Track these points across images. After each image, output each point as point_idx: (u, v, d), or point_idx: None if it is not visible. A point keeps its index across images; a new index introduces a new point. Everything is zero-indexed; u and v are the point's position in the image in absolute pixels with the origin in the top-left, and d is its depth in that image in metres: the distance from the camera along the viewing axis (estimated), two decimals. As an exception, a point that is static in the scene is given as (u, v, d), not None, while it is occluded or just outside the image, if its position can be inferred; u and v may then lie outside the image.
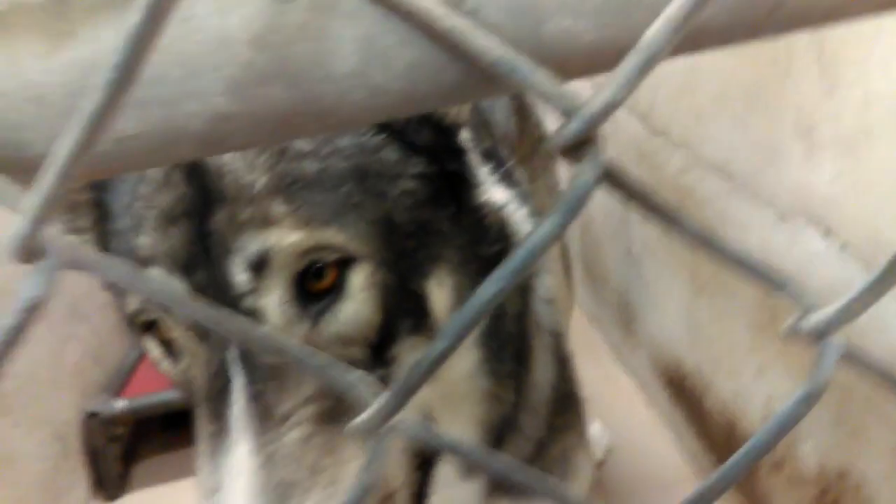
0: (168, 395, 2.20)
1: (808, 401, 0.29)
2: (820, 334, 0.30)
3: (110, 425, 2.28)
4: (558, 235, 0.25)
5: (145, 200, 0.71)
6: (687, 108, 1.72)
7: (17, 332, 0.24)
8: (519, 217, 0.99)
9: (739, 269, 0.30)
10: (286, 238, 0.67)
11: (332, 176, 0.72)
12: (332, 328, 0.71)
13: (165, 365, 0.78)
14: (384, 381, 0.74)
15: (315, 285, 0.70)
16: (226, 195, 0.68)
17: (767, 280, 0.30)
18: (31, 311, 0.24)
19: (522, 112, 1.81)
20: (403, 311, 0.76)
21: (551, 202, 1.85)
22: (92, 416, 2.23)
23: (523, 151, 1.76)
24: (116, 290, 0.77)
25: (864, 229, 1.21)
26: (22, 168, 0.26)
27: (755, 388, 1.56)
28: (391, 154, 0.77)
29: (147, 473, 2.32)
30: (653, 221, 0.29)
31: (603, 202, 2.30)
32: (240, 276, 0.67)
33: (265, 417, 0.66)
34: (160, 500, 2.21)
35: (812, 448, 1.42)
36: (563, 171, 2.03)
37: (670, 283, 1.90)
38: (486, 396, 0.95)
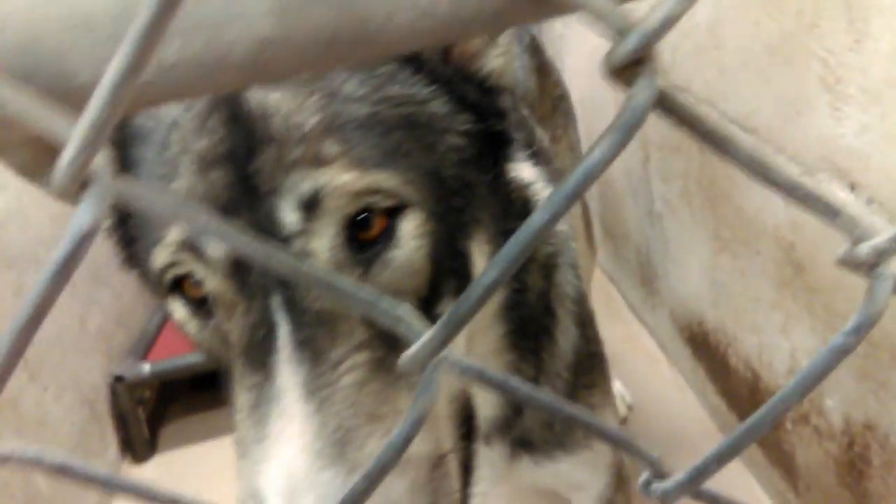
0: (193, 358, 2.22)
1: (861, 331, 0.29)
2: (872, 264, 0.29)
3: (137, 389, 2.32)
4: (611, 160, 0.25)
5: (179, 146, 0.69)
6: (709, 64, 1.69)
7: (70, 261, 0.24)
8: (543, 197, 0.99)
9: (791, 196, 0.29)
10: (339, 178, 0.65)
11: (382, 122, 0.70)
12: (383, 276, 0.69)
13: (191, 326, 0.75)
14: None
15: (364, 234, 0.68)
16: (272, 136, 0.66)
17: (819, 207, 0.30)
18: (83, 240, 0.24)
19: (542, 70, 1.79)
20: (450, 267, 0.74)
21: (573, 162, 1.84)
22: (118, 380, 2.26)
23: (543, 110, 1.75)
24: (142, 250, 0.74)
25: (890, 183, 1.19)
26: (67, 97, 0.26)
27: (779, 342, 1.56)
28: (440, 107, 0.75)
29: (174, 435, 2.36)
30: (706, 146, 0.28)
31: (623, 161, 2.28)
32: (290, 216, 0.65)
33: (316, 363, 0.62)
34: (188, 461, 2.25)
35: (838, 402, 1.42)
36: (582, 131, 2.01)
37: (692, 241, 1.89)
38: (510, 370, 0.95)
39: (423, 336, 0.29)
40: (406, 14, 0.25)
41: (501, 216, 0.83)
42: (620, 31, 0.24)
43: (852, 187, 1.28)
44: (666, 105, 0.26)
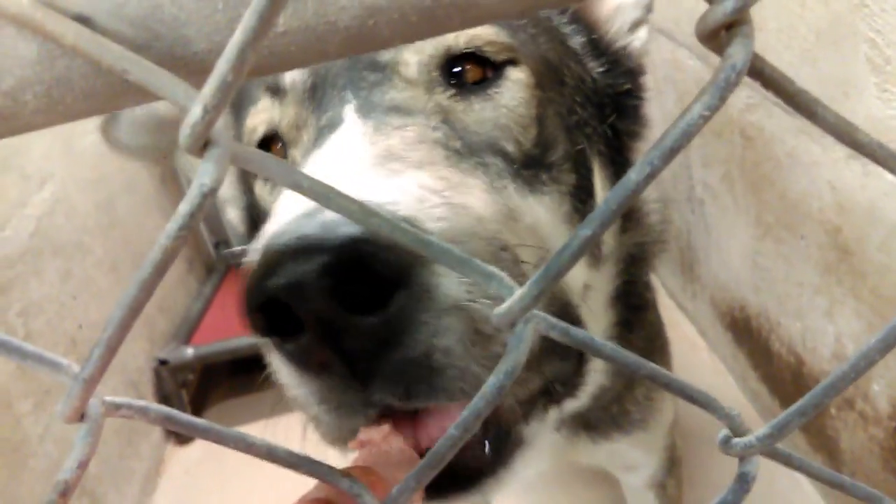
0: (235, 343, 2.26)
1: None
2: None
3: (180, 372, 2.37)
4: (708, 118, 0.26)
5: None
6: (752, 46, 1.68)
7: (192, 217, 0.26)
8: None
9: (877, 160, 0.30)
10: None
11: (524, 29, 0.70)
12: (485, 115, 0.67)
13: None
14: (548, 184, 0.71)
15: (470, 75, 0.67)
16: None
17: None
18: (205, 198, 0.26)
19: None
20: (565, 146, 0.72)
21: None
22: (162, 364, 2.31)
23: None
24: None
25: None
26: (185, 65, 0.27)
27: (824, 327, 1.55)
28: (576, 44, 0.79)
29: (216, 418, 2.40)
30: (796, 111, 0.29)
31: (662, 146, 2.26)
32: None
33: (377, 111, 0.62)
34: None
35: (884, 387, 1.41)
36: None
37: (734, 226, 1.88)
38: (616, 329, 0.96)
39: (515, 293, 0.31)
40: (509, -22, 0.26)
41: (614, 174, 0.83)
42: (718, -7, 0.25)
43: None
44: (755, 68, 0.26)
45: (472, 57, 0.67)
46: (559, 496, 1.83)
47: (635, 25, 0.83)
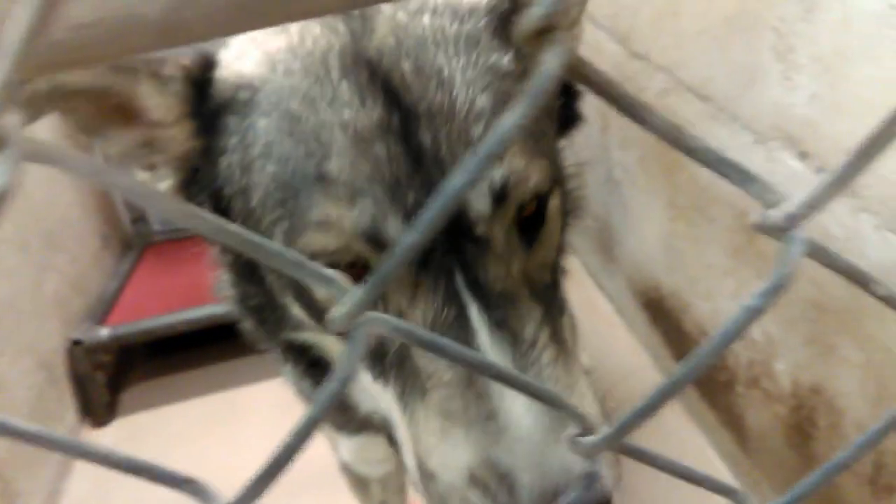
0: (153, 323, 2.21)
1: (773, 293, 0.30)
2: (784, 228, 0.30)
3: (95, 353, 2.30)
4: (522, 126, 0.25)
5: (319, 118, 0.65)
6: (668, 31, 1.70)
7: (-17, 222, 0.24)
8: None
9: (706, 163, 0.30)
10: (520, 166, 0.66)
11: None
12: (539, 254, 0.72)
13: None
14: (562, 299, 0.77)
15: (523, 215, 0.70)
16: (442, 109, 0.65)
17: (733, 174, 0.30)
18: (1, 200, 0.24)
19: None
20: (564, 226, 0.80)
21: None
22: (76, 344, 2.24)
23: None
24: (302, 223, 0.68)
25: (838, 151, 1.22)
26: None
27: (732, 308, 1.59)
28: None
29: (134, 400, 2.35)
30: (621, 114, 0.29)
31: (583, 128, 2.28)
32: (481, 202, 0.65)
33: (515, 344, 0.65)
34: (148, 426, 2.25)
35: (787, 366, 1.46)
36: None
37: (649, 208, 1.91)
38: None
39: (350, 295, 0.30)
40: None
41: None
42: (532, -3, 0.24)
43: (803, 156, 1.30)
44: (579, 73, 0.26)
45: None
46: None
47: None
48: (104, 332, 2.26)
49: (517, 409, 0.61)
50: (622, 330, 2.24)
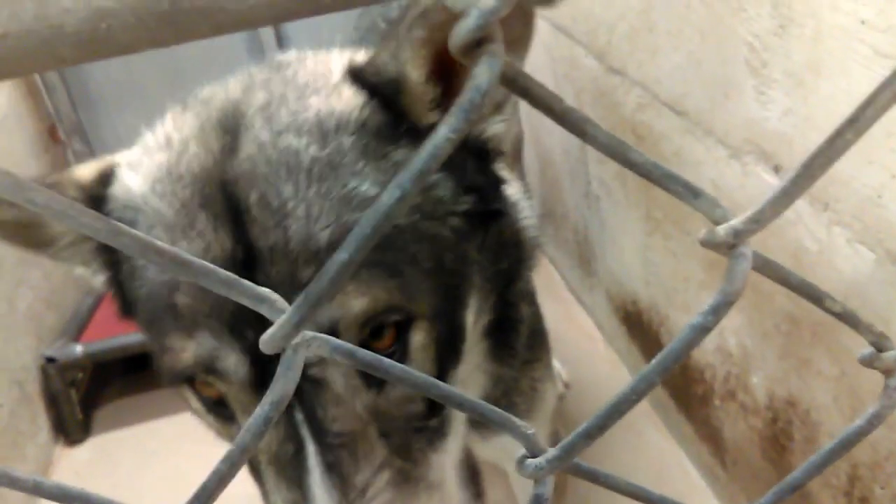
0: (126, 340, 2.18)
1: (719, 310, 0.29)
2: (730, 244, 0.29)
3: (69, 370, 2.26)
4: (456, 139, 0.24)
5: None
6: (643, 46, 1.71)
7: None
8: (526, 214, 0.99)
9: (652, 179, 0.29)
10: (354, 306, 0.65)
11: (393, 231, 0.68)
12: (396, 392, 0.70)
13: (210, 420, 0.77)
14: (442, 429, 0.76)
15: (374, 345, 0.69)
16: (282, 248, 0.64)
17: (680, 189, 0.30)
18: None
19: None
20: (450, 352, 0.76)
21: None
22: (49, 362, 2.21)
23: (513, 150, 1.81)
24: (160, 345, 0.72)
25: (813, 163, 1.22)
26: None
27: (707, 322, 1.59)
28: (444, 191, 0.74)
29: (109, 417, 2.31)
30: (564, 128, 0.28)
31: (561, 141, 2.29)
32: None
33: (345, 488, 0.66)
34: (123, 444, 2.21)
35: (762, 379, 1.46)
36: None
37: (626, 221, 1.91)
38: (490, 375, 0.99)
39: (282, 316, 0.29)
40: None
41: (493, 262, 0.83)
42: (461, 8, 0.24)
43: (776, 169, 1.31)
44: (513, 84, 0.25)
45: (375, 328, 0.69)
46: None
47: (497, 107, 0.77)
48: (78, 349, 2.23)
49: None
50: (601, 344, 2.23)
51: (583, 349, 2.22)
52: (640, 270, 1.89)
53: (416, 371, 0.33)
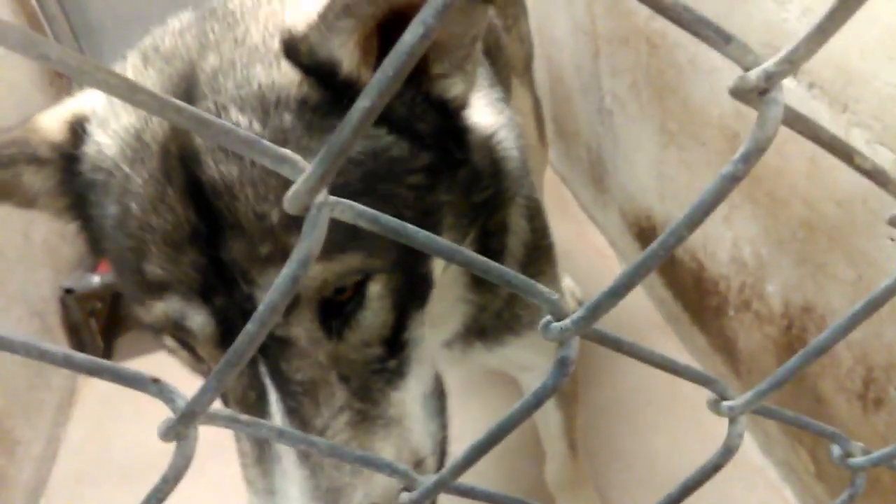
0: (142, 269, 2.20)
1: (750, 158, 0.29)
2: (762, 88, 0.28)
3: (87, 300, 2.30)
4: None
5: (139, 219, 0.69)
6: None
7: None
8: (507, 144, 0.96)
9: (681, 24, 0.28)
10: (312, 271, 0.65)
11: (348, 191, 0.67)
12: (354, 338, 0.73)
13: (183, 358, 0.79)
14: (401, 368, 0.78)
15: (335, 299, 0.71)
16: (239, 224, 0.66)
17: (711, 35, 0.29)
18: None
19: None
20: (411, 298, 0.78)
21: (523, 53, 1.83)
22: (68, 293, 2.24)
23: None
24: (131, 295, 0.75)
25: (831, 66, 1.19)
26: None
27: (723, 232, 1.58)
28: (399, 151, 0.74)
29: (130, 345, 2.35)
30: None
31: (573, 56, 2.24)
32: None
33: (305, 430, 0.69)
34: (145, 370, 2.25)
35: (777, 287, 1.46)
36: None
37: (640, 135, 1.89)
38: (473, 304, 1.00)
39: (304, 173, 0.28)
40: None
41: (465, 196, 0.83)
42: None
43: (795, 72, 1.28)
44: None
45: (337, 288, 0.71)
46: (465, 401, 1.86)
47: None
48: (95, 280, 2.25)
49: (288, 495, 0.70)
50: (614, 261, 2.24)
51: (595, 267, 2.23)
52: (655, 185, 1.87)
53: (439, 238, 0.32)
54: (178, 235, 0.68)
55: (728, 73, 1.25)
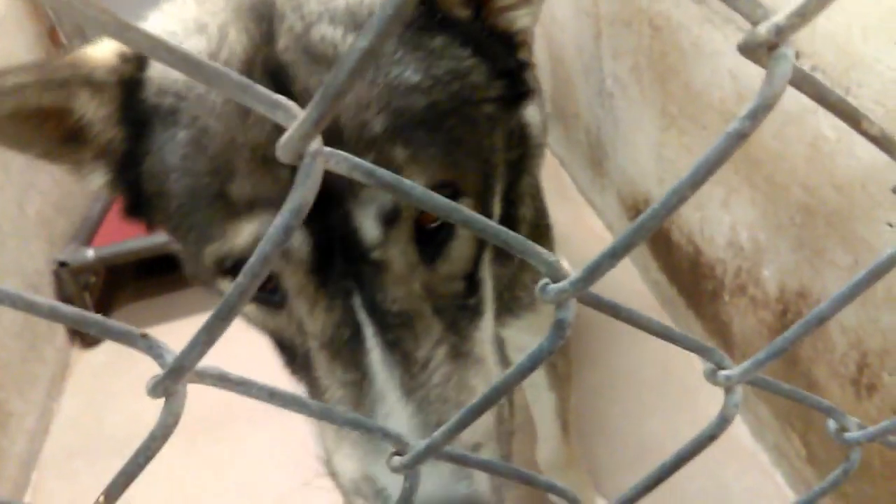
0: (137, 243, 2.19)
1: (757, 115, 0.28)
2: (772, 44, 0.28)
3: (81, 274, 2.29)
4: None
5: (225, 137, 0.66)
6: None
7: None
8: (531, 111, 0.98)
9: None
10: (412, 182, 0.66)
11: (438, 110, 0.70)
12: (445, 268, 0.73)
13: (253, 311, 0.76)
14: (479, 307, 0.77)
15: (427, 227, 0.70)
16: (339, 134, 0.64)
17: (718, -13, 0.28)
18: None
19: None
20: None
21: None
22: (62, 266, 2.23)
23: None
24: (202, 235, 0.71)
25: (833, 48, 1.18)
26: None
27: (721, 216, 1.58)
28: (478, 77, 0.74)
29: (123, 320, 2.26)
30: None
31: (574, 37, 2.23)
32: (371, 229, 0.66)
33: (407, 364, 0.67)
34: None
35: (773, 272, 1.46)
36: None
37: (641, 118, 1.88)
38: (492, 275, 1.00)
39: (296, 120, 0.28)
40: None
41: (505, 152, 0.84)
42: None
43: (797, 55, 1.27)
44: None
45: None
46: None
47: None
48: (90, 254, 2.24)
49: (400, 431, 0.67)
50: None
51: (592, 250, 2.20)
52: (654, 168, 1.86)
53: (436, 194, 0.31)
54: (271, 149, 0.65)
55: (730, 56, 1.24)
